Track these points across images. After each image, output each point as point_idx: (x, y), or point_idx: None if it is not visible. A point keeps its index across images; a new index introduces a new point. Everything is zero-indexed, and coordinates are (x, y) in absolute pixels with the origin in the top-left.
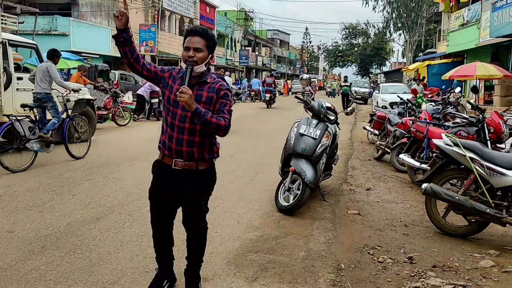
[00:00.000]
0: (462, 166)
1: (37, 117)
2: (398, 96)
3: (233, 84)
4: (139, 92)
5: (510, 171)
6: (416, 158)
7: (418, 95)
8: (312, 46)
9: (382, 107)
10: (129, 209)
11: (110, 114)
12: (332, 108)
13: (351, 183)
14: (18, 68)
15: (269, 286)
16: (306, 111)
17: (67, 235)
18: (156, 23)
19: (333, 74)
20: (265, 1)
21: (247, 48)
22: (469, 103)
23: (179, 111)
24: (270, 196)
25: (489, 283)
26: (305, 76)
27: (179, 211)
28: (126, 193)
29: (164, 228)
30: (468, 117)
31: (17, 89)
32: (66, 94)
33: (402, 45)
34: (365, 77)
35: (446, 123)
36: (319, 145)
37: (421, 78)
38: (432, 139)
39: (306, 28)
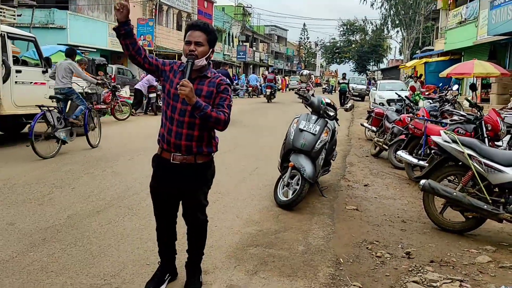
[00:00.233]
0: (460, 163)
1: (60, 109)
2: (396, 93)
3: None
4: (136, 86)
5: (508, 168)
6: (413, 155)
7: (415, 92)
8: (309, 42)
9: (379, 104)
10: (128, 202)
11: (109, 108)
12: (332, 104)
13: (349, 179)
14: (16, 61)
15: (269, 279)
16: (306, 107)
17: (67, 227)
18: (154, 17)
19: (330, 70)
20: None
21: (244, 43)
22: (467, 100)
23: (179, 105)
24: (269, 191)
25: (486, 278)
26: (306, 72)
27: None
28: (125, 187)
29: (164, 222)
30: (465, 114)
31: (16, 82)
32: (86, 87)
33: (400, 42)
34: (362, 74)
35: (444, 120)
36: (319, 141)
37: (418, 75)
38: (430, 136)
39: (304, 24)
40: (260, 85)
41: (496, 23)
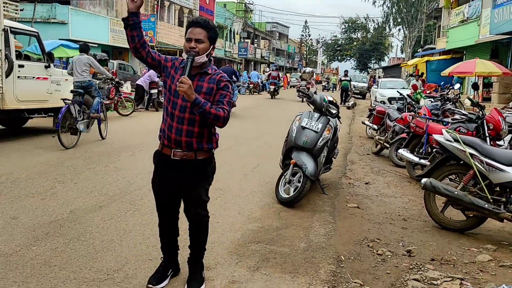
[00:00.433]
0: (462, 162)
1: (78, 102)
2: (397, 91)
3: None
4: (138, 82)
5: (509, 167)
6: (415, 153)
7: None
8: (311, 39)
9: (380, 102)
10: (131, 198)
11: (112, 104)
12: (334, 102)
13: (350, 177)
14: (19, 55)
15: (271, 275)
16: (308, 105)
17: (70, 222)
18: (155, 13)
19: (331, 68)
20: None
21: (246, 40)
22: (469, 99)
23: (180, 101)
24: (270, 188)
25: (486, 277)
26: (308, 69)
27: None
28: (128, 182)
29: (167, 218)
30: (467, 113)
31: (18, 77)
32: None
33: (401, 41)
34: (363, 72)
35: (446, 119)
36: (321, 139)
37: (419, 74)
38: (432, 135)
39: (306, 22)
40: (262, 82)
41: (498, 22)
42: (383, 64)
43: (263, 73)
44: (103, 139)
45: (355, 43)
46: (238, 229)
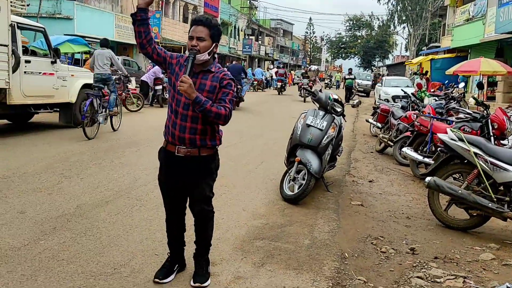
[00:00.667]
0: (466, 161)
1: (98, 95)
2: (402, 90)
3: None
4: (143, 78)
5: None
6: (419, 152)
7: (421, 89)
8: (315, 37)
9: (384, 100)
10: (136, 194)
11: (121, 100)
12: (339, 100)
13: (354, 174)
14: (25, 51)
15: (275, 272)
16: (314, 103)
17: (77, 217)
18: (160, 9)
19: (335, 65)
20: None
21: (250, 37)
22: (474, 98)
23: (183, 99)
24: (274, 185)
25: (489, 275)
26: (314, 67)
27: None
28: (133, 178)
29: (173, 214)
30: (472, 112)
31: (25, 72)
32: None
33: (406, 39)
34: (367, 69)
35: (450, 118)
36: (325, 136)
37: (424, 72)
38: (436, 134)
39: (310, 19)
40: (266, 79)
41: (504, 21)
42: (387, 62)
43: (267, 70)
44: (114, 130)
45: (359, 40)
46: (243, 225)
